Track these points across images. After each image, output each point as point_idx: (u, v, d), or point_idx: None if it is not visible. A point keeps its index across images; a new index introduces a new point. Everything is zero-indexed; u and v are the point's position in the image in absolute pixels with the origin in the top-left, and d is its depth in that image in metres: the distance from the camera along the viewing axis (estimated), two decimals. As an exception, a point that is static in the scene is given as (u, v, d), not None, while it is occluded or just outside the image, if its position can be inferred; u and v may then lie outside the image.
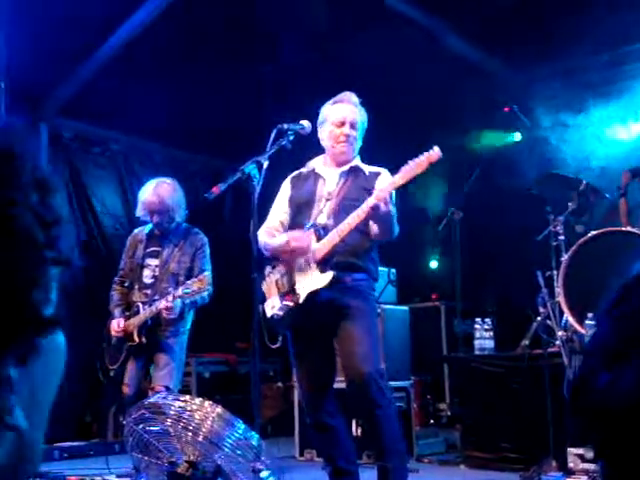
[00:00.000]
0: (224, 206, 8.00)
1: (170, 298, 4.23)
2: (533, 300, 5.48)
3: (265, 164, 3.46)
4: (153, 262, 4.59)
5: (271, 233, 3.64)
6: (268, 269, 3.57)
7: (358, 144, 3.70)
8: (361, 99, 3.74)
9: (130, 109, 6.54)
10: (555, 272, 5.24)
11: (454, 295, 6.53)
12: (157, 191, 4.52)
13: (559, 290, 5.03)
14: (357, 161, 3.71)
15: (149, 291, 4.53)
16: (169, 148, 7.92)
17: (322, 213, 3.53)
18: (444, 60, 5.91)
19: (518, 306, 5.91)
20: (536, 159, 6.58)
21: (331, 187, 3.61)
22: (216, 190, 3.44)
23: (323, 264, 3.38)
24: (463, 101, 6.32)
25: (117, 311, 4.61)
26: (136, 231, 4.79)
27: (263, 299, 3.51)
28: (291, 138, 3.57)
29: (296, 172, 3.80)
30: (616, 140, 6.32)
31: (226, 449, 2.65)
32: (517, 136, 7.00)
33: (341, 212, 3.46)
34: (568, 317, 4.93)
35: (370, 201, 3.27)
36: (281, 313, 3.41)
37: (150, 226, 4.67)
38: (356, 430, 5.26)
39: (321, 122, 3.68)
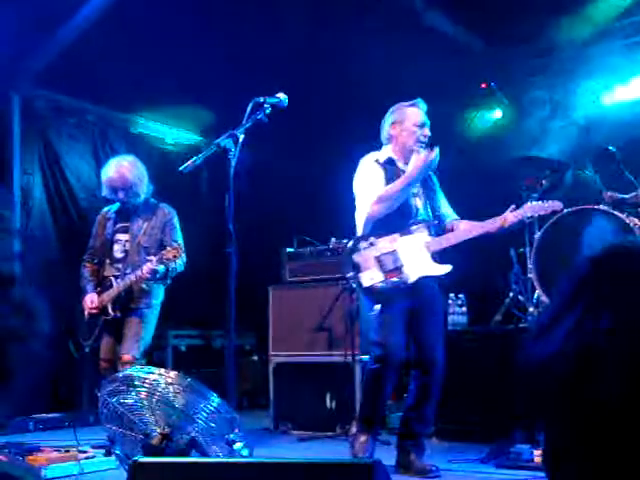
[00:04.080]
0: (200, 180, 7.95)
1: (154, 262, 4.32)
2: (506, 277, 5.56)
3: (241, 138, 3.45)
4: (123, 237, 4.68)
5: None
6: (364, 244, 3.87)
7: None
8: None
9: (106, 80, 6.45)
10: (528, 249, 5.31)
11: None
12: (117, 169, 4.67)
13: (531, 267, 5.10)
14: None
15: (120, 265, 4.62)
16: (145, 121, 7.83)
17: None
18: (423, 36, 5.89)
19: (491, 282, 5.98)
20: (511, 138, 6.61)
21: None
22: (191, 164, 3.45)
23: (435, 256, 3.94)
24: (442, 78, 6.31)
25: (89, 287, 4.66)
26: (105, 209, 4.89)
27: (358, 269, 3.85)
28: (267, 111, 3.57)
29: (374, 156, 4.06)
30: (595, 117, 6.35)
31: (200, 421, 2.67)
32: (497, 114, 7.02)
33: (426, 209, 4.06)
34: (540, 294, 5.01)
35: (502, 222, 4.08)
36: (385, 285, 3.79)
37: (118, 204, 4.76)
38: (330, 403, 5.33)
39: (398, 121, 4.04)
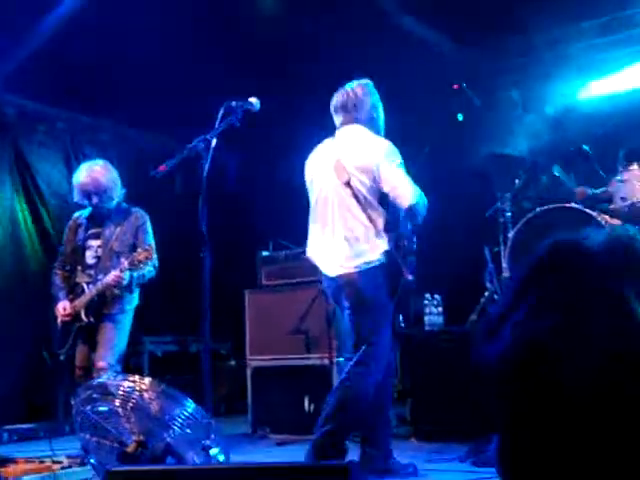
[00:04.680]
0: (174, 184, 7.90)
1: (119, 269, 4.27)
2: (481, 276, 5.59)
3: (213, 142, 3.44)
4: (95, 243, 4.63)
5: None
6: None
7: None
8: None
9: (77, 86, 6.40)
10: (502, 248, 5.35)
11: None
12: (90, 173, 4.61)
13: (506, 265, 5.14)
14: None
15: (92, 271, 4.56)
16: (117, 126, 7.76)
17: None
18: (394, 37, 5.91)
19: (467, 282, 6.01)
20: (485, 137, 6.65)
21: None
22: (163, 168, 3.43)
23: None
24: (412, 79, 6.34)
25: (61, 294, 4.60)
26: (76, 215, 4.82)
27: None
28: (239, 116, 3.56)
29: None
30: (564, 117, 6.43)
31: (176, 428, 2.64)
32: (460, 116, 7.06)
33: None
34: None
35: None
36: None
37: (89, 209, 4.70)
38: (308, 406, 5.32)
39: (377, 105, 3.85)
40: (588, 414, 0.67)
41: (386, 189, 3.58)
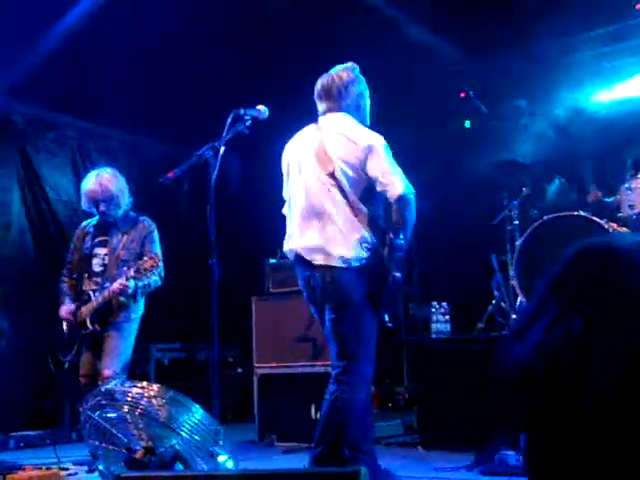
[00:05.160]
0: (181, 192, 7.92)
1: (124, 278, 4.26)
2: (488, 284, 5.59)
3: (222, 149, 3.44)
4: (102, 251, 4.63)
5: None
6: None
7: None
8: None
9: (85, 94, 6.43)
10: (509, 256, 5.34)
11: (410, 279, 6.60)
12: (99, 180, 4.60)
13: (513, 274, 5.13)
14: None
15: (99, 279, 4.56)
16: (126, 134, 7.79)
17: None
18: (402, 46, 5.93)
19: (474, 290, 6.00)
20: (492, 145, 6.66)
21: None
22: (172, 175, 3.44)
23: None
24: (420, 87, 6.36)
25: (67, 300, 4.60)
26: (83, 224, 4.83)
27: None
28: (248, 123, 3.56)
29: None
30: (571, 125, 6.43)
31: (184, 434, 2.65)
32: (467, 123, 7.09)
33: None
34: (522, 300, 5.04)
35: None
36: None
37: (97, 217, 4.71)
38: (315, 414, 5.30)
39: (364, 93, 3.66)
40: (613, 412, 0.67)
41: (375, 179, 3.40)
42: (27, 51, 6.22)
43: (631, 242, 0.77)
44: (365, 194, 3.44)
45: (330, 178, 3.44)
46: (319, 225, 3.45)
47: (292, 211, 3.64)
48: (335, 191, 3.43)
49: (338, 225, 3.41)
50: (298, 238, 3.55)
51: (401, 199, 3.36)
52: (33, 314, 6.33)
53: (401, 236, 3.39)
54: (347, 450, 3.37)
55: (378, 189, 3.42)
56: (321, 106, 3.64)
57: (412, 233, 3.50)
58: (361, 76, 3.67)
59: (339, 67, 3.66)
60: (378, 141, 3.48)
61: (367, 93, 3.69)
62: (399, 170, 3.45)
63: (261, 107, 3.63)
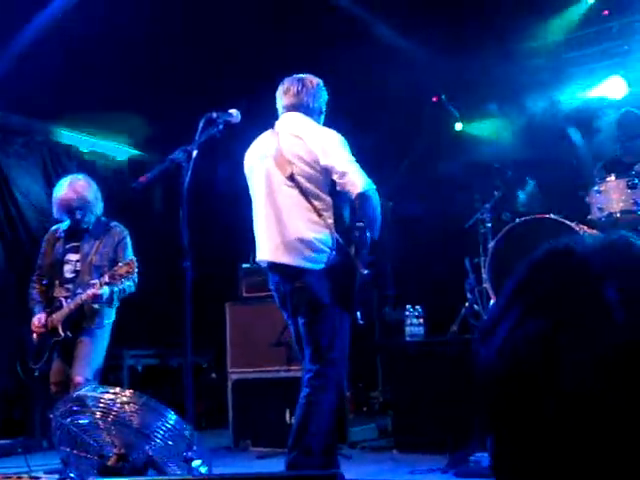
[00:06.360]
0: (154, 196, 7.87)
1: (98, 285, 4.21)
2: (462, 286, 5.62)
3: (194, 153, 3.42)
4: (74, 257, 4.58)
5: None
6: None
7: None
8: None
9: (55, 98, 6.36)
10: (482, 259, 5.38)
11: (385, 283, 6.62)
12: (73, 187, 4.56)
13: (486, 276, 5.17)
14: None
15: (71, 285, 4.51)
16: (96, 139, 7.72)
17: None
18: (372, 48, 5.94)
19: (447, 292, 6.03)
20: (464, 149, 6.72)
21: None
22: (144, 180, 3.41)
23: None
24: (391, 90, 6.38)
25: (38, 308, 4.55)
26: (53, 228, 4.78)
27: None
28: (220, 127, 3.55)
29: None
30: (542, 128, 6.50)
31: (157, 440, 2.62)
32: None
33: None
34: (494, 302, 5.07)
35: None
36: None
37: (67, 222, 4.65)
38: (290, 418, 5.29)
39: (325, 101, 3.69)
40: (575, 414, 0.67)
41: (334, 177, 3.37)
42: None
43: (592, 245, 0.77)
44: (327, 193, 3.43)
45: (289, 180, 3.44)
46: (282, 229, 3.44)
47: (257, 217, 3.66)
48: (295, 193, 3.42)
49: (301, 228, 3.40)
50: (265, 244, 3.56)
51: (361, 196, 3.34)
52: (2, 320, 6.23)
53: (367, 233, 3.37)
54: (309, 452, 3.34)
55: (338, 188, 3.40)
56: (285, 101, 3.65)
57: (380, 229, 3.47)
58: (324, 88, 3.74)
59: (306, 74, 3.71)
60: (334, 138, 3.48)
61: (325, 108, 3.74)
62: (357, 166, 3.43)
63: (233, 111, 3.62)
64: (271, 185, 3.52)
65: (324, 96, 3.72)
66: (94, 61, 6.01)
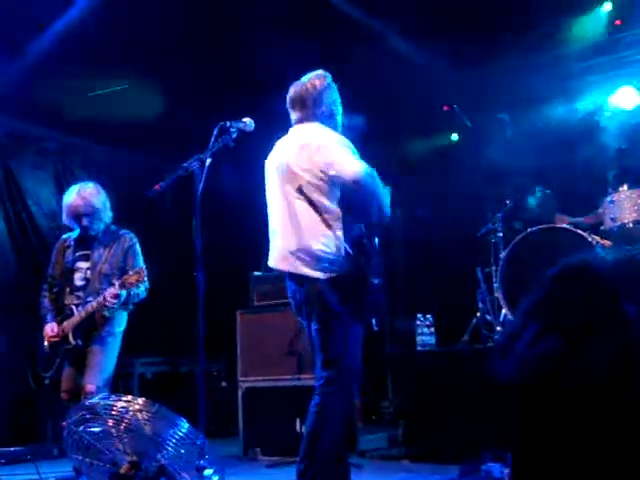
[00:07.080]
0: (165, 205, 7.90)
1: (117, 287, 4.22)
2: (473, 296, 5.60)
3: (207, 162, 3.43)
4: (84, 265, 4.59)
5: None
6: None
7: None
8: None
9: (67, 107, 6.40)
10: (494, 268, 5.36)
11: (396, 292, 6.61)
12: (81, 194, 4.58)
13: (497, 286, 5.15)
14: None
15: (81, 293, 4.52)
16: (108, 147, 7.76)
17: None
18: (385, 59, 5.96)
19: (459, 302, 6.02)
20: (476, 158, 6.71)
21: None
22: (157, 188, 3.42)
23: None
24: (404, 100, 6.39)
25: (49, 316, 4.56)
26: (64, 237, 4.80)
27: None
28: (234, 135, 3.56)
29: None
30: (554, 139, 6.49)
31: (169, 448, 2.62)
32: (454, 136, 7.14)
33: None
34: (506, 312, 5.06)
35: None
36: None
37: (77, 231, 4.68)
38: (300, 427, 5.28)
39: (337, 100, 3.60)
40: (591, 432, 0.67)
41: (332, 172, 3.31)
42: (9, 62, 6.19)
43: (607, 261, 0.77)
44: (336, 204, 3.39)
45: (298, 193, 3.42)
46: (294, 239, 3.43)
47: (272, 225, 3.65)
48: (305, 205, 3.40)
49: (313, 238, 3.37)
50: (279, 252, 3.55)
51: (356, 182, 3.29)
52: (13, 329, 6.26)
53: (375, 239, 3.36)
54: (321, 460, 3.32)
55: (336, 182, 3.33)
56: (294, 115, 3.61)
57: (381, 233, 3.47)
58: (333, 83, 3.63)
59: (311, 75, 3.63)
60: (334, 138, 3.45)
61: (339, 100, 3.65)
62: (354, 158, 3.38)
63: (247, 119, 3.63)
64: (283, 196, 3.52)
65: (332, 96, 3.60)
66: (108, 69, 6.05)
